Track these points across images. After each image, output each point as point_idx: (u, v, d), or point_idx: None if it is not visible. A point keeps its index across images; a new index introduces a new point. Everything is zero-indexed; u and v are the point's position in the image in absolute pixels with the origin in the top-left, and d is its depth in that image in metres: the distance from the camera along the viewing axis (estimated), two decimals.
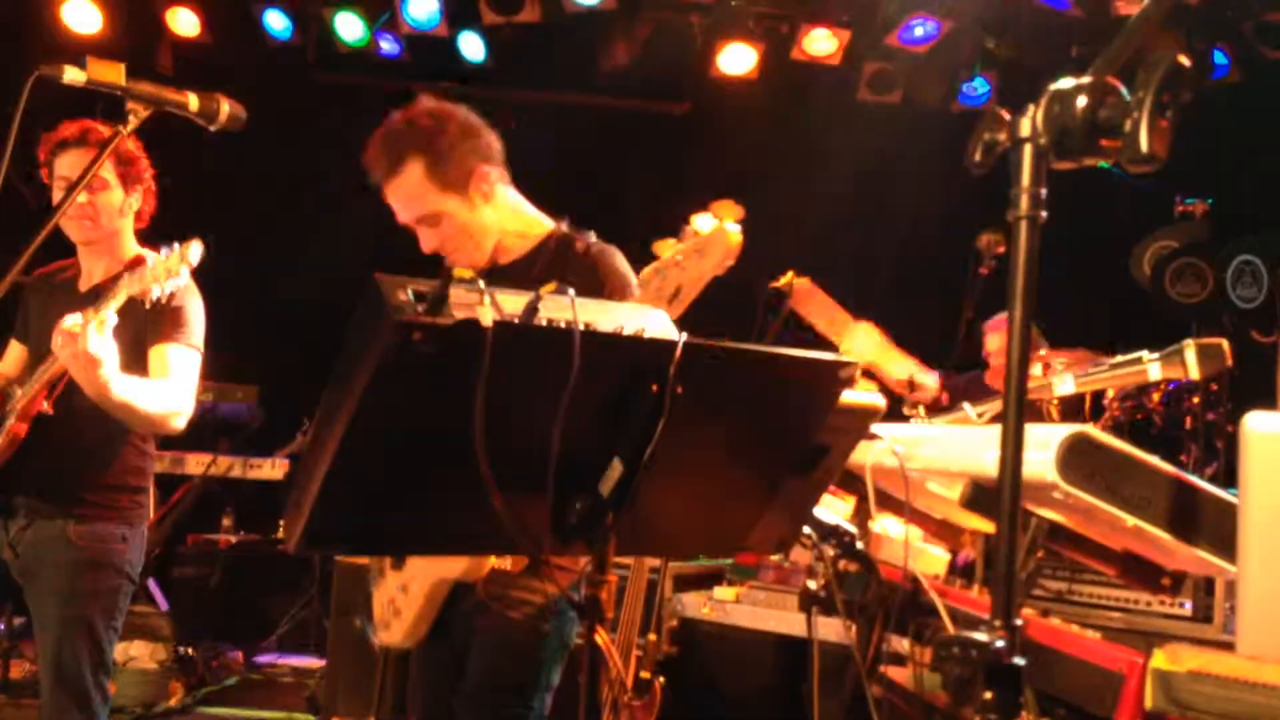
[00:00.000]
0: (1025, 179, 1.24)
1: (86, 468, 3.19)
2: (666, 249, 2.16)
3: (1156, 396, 5.47)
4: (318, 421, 1.55)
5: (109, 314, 2.88)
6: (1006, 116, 1.27)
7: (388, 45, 7.08)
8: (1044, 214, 1.25)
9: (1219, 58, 6.48)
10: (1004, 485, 1.27)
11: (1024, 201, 1.24)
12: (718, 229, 2.09)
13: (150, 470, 3.36)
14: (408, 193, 2.56)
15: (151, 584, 6.06)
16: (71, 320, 2.87)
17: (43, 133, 3.21)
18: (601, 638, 1.72)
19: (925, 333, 6.04)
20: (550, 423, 1.53)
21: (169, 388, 3.12)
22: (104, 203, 3.21)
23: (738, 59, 7.05)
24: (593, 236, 2.65)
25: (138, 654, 5.47)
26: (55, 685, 3.12)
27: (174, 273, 2.92)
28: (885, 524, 2.56)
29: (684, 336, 1.57)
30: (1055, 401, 4.07)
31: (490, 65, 7.07)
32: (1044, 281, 1.32)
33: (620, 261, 2.58)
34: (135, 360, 3.12)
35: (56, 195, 3.18)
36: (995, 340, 5.76)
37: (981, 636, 1.24)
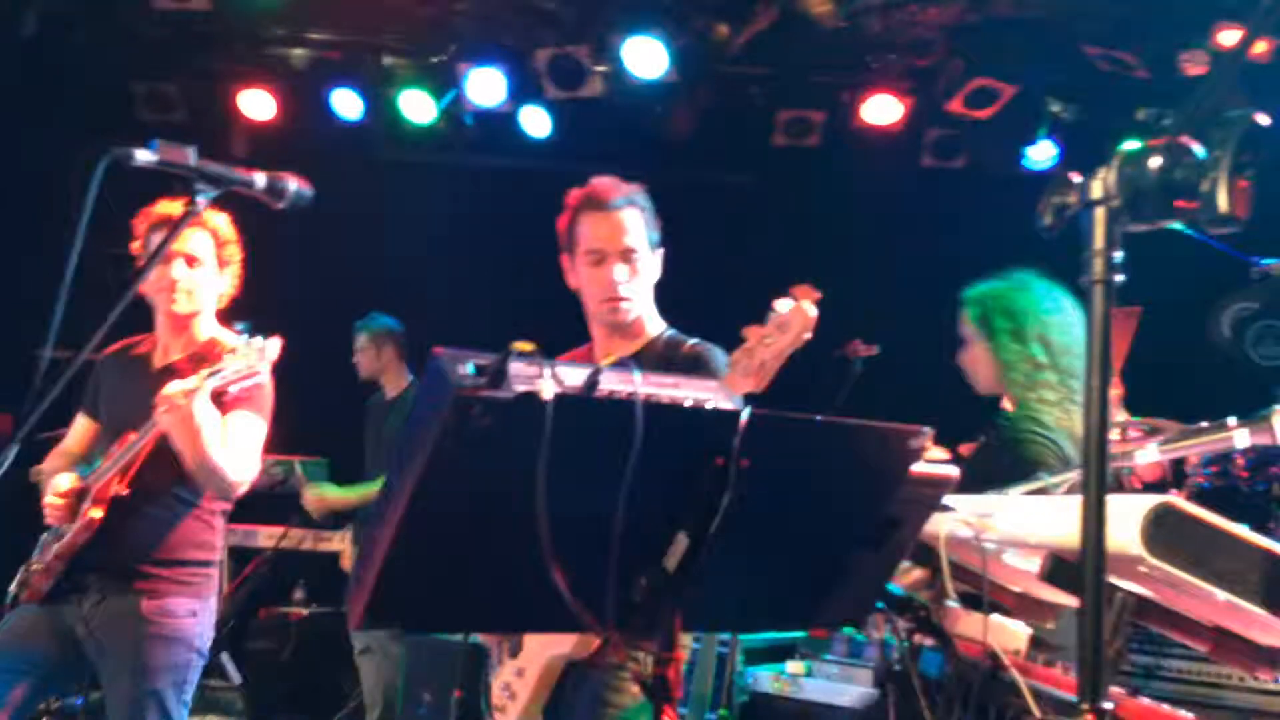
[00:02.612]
0: (1098, 242, 1.20)
1: (156, 544, 3.22)
2: (753, 333, 2.36)
3: (1241, 463, 5.29)
4: (381, 496, 1.54)
5: (208, 384, 2.96)
6: (1076, 179, 1.24)
7: (452, 123, 7.21)
8: (1120, 277, 1.21)
9: None
10: (1088, 560, 1.22)
11: (1097, 265, 1.20)
12: (796, 308, 2.30)
13: (219, 544, 3.39)
14: (630, 224, 2.86)
15: (224, 657, 6.08)
16: (176, 386, 2.95)
17: (111, 220, 3.29)
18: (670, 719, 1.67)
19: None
20: (614, 497, 1.50)
21: (244, 457, 3.17)
22: (201, 281, 3.29)
23: (799, 128, 7.07)
24: (693, 339, 2.93)
25: None
26: None
27: (255, 370, 2.99)
28: (962, 599, 2.49)
29: (749, 408, 1.54)
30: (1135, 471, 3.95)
31: (554, 140, 7.16)
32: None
33: (722, 358, 2.76)
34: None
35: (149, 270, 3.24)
36: None
37: (1057, 714, 1.18)
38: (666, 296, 3.05)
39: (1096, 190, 1.20)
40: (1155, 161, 1.17)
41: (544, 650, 2.65)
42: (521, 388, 1.40)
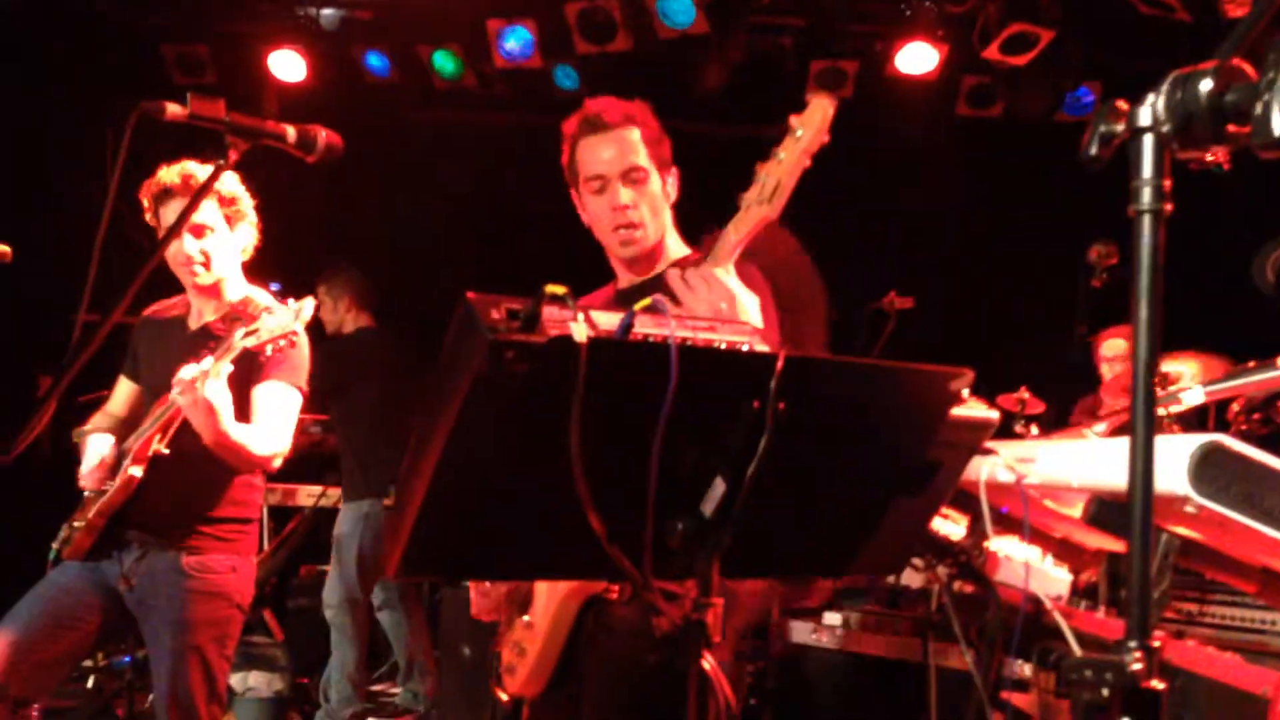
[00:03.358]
0: (1147, 170, 1.16)
1: (197, 501, 3.25)
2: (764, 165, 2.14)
3: None
4: (414, 445, 1.54)
5: (225, 366, 2.96)
6: (1124, 107, 1.20)
7: (482, 80, 7.17)
8: (1169, 207, 1.17)
9: None
10: (1135, 498, 1.19)
11: (1146, 194, 1.17)
12: (810, 107, 2.05)
13: (259, 502, 3.42)
14: (629, 144, 2.65)
15: (267, 615, 6.16)
16: (189, 371, 2.95)
17: (144, 180, 3.29)
18: (709, 664, 1.66)
19: (1036, 350, 5.88)
20: (649, 442, 1.49)
21: (273, 430, 3.18)
22: (215, 248, 3.28)
23: (832, 78, 6.97)
24: None
25: (255, 684, 5.55)
26: (170, 715, 3.17)
27: (289, 330, 2.99)
28: (1002, 544, 2.46)
29: (785, 351, 1.52)
30: (1175, 415, 3.89)
31: (584, 95, 7.10)
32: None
33: (758, 274, 2.56)
34: (242, 400, 3.18)
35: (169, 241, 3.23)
36: (1112, 346, 5.55)
37: (1116, 659, 1.16)
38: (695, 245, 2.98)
39: (1145, 117, 1.16)
40: (1206, 84, 1.13)
41: (551, 600, 2.51)
42: (554, 331, 1.39)
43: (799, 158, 2.06)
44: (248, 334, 2.98)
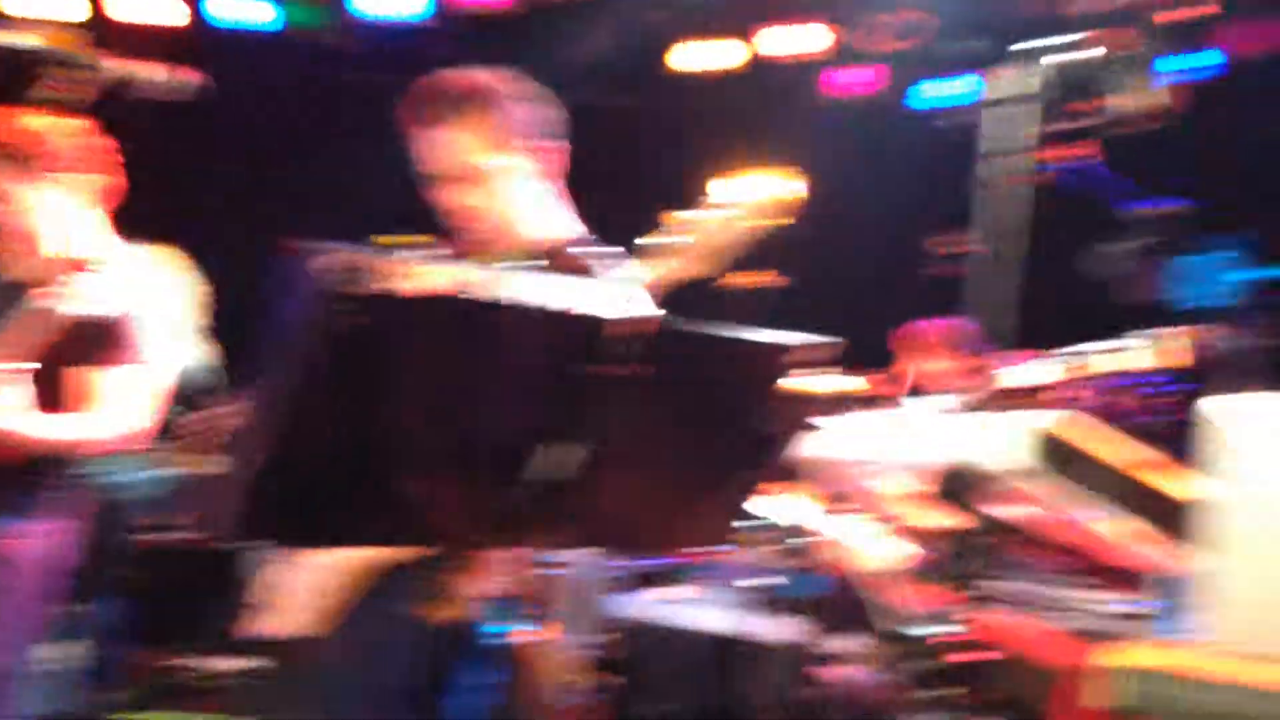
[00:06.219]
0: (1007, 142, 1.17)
1: None
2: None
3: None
4: (247, 405, 1.47)
5: None
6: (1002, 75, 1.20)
7: (350, 36, 6.98)
8: (1036, 178, 1.18)
9: None
10: (966, 472, 1.21)
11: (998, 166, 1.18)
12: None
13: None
14: (447, 144, 2.26)
15: None
16: None
17: None
18: (535, 634, 1.64)
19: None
20: (477, 405, 1.45)
21: (101, 416, 2.98)
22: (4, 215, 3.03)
23: (697, 55, 6.99)
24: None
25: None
26: None
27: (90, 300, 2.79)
28: (840, 520, 2.49)
29: (613, 314, 1.49)
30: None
31: (451, 56, 6.96)
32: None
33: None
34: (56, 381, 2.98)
35: None
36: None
37: (922, 631, 1.18)
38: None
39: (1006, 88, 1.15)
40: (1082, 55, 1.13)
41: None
42: (382, 285, 1.34)
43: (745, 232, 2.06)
44: (38, 298, 2.78)
